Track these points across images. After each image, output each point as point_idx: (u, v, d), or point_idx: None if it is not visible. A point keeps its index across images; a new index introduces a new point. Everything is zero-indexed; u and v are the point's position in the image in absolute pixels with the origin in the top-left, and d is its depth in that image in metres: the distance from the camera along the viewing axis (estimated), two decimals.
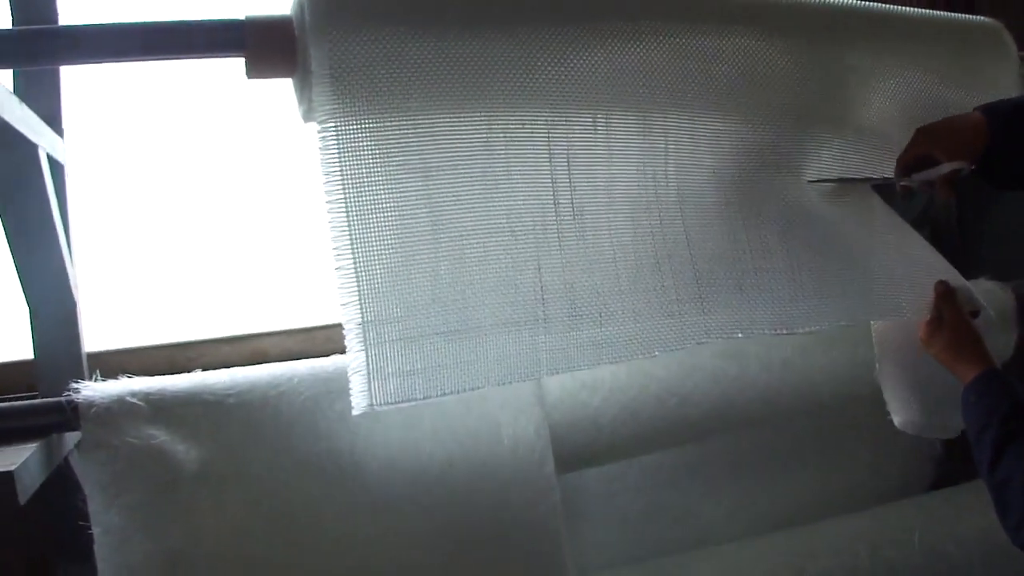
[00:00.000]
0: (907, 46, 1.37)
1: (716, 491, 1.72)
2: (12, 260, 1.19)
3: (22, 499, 0.97)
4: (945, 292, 1.25)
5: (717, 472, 1.72)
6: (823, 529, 1.65)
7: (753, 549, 1.59)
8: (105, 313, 1.50)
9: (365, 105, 0.98)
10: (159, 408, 1.15)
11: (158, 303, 1.66)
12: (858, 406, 1.59)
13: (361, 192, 0.98)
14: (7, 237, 1.17)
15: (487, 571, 1.26)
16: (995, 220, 1.90)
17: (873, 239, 1.31)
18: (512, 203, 1.07)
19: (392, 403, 0.98)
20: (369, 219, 0.98)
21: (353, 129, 0.98)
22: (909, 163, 1.25)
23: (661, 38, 1.13)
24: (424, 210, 1.01)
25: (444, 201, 1.03)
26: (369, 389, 0.97)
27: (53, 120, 1.30)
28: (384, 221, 0.99)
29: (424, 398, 0.99)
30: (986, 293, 1.60)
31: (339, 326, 1.00)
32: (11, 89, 1.13)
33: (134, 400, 1.14)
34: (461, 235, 1.03)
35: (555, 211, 1.09)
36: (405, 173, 1.00)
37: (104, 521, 1.12)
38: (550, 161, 1.09)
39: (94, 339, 1.37)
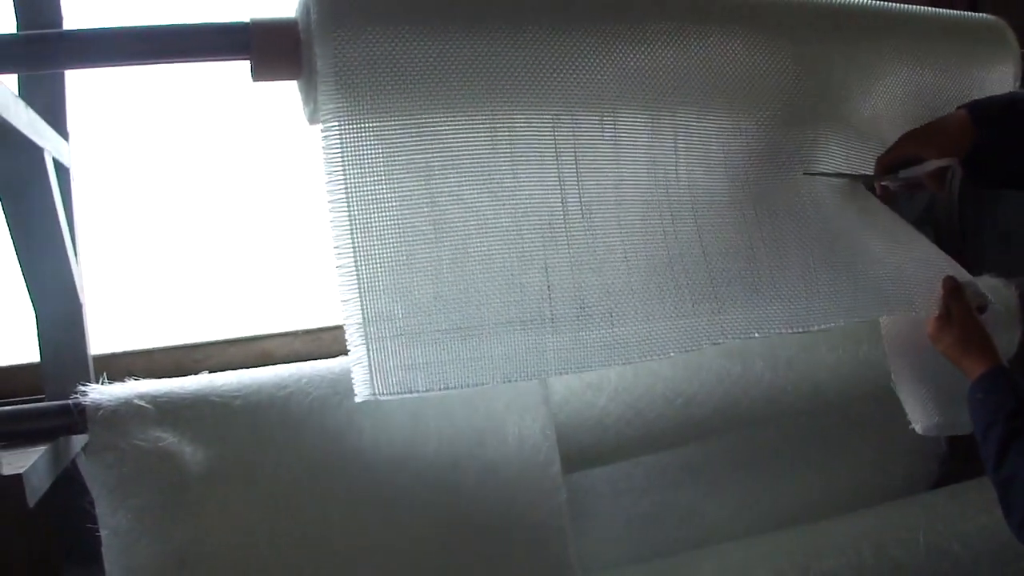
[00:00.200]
0: (911, 44, 1.37)
1: (721, 490, 1.72)
2: (18, 263, 1.19)
3: (31, 502, 0.97)
4: (953, 288, 1.25)
5: (722, 471, 1.72)
6: (828, 528, 1.64)
7: (758, 548, 1.59)
8: (111, 316, 1.50)
9: (369, 106, 0.98)
10: (166, 410, 1.15)
11: (164, 305, 1.66)
12: (862, 405, 1.59)
13: (363, 191, 0.99)
14: (13, 240, 1.17)
15: (493, 570, 1.26)
16: (998, 217, 1.90)
17: (881, 236, 1.31)
18: (518, 203, 1.07)
19: (394, 393, 0.99)
20: (371, 218, 0.99)
21: (357, 130, 0.98)
22: (888, 164, 1.25)
23: (667, 38, 1.13)
24: (427, 209, 1.02)
25: (447, 201, 1.03)
26: (371, 379, 0.98)
27: (58, 123, 1.30)
28: (386, 221, 0.99)
29: (426, 390, 1.00)
30: (990, 290, 1.60)
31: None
32: (16, 92, 1.13)
33: (141, 402, 1.14)
34: (464, 234, 1.03)
35: (563, 210, 1.09)
36: (407, 173, 1.01)
37: (112, 523, 1.12)
38: (557, 160, 1.09)
39: (100, 342, 1.38)
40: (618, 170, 1.14)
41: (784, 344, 1.49)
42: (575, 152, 1.10)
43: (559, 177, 1.09)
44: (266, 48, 1.01)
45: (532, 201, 1.08)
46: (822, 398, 1.54)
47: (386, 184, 0.99)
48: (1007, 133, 1.18)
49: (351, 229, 0.97)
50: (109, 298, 1.51)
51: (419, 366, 1.00)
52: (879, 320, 1.39)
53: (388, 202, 0.99)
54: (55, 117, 1.29)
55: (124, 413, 1.13)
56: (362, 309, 0.98)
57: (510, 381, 1.04)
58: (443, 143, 1.03)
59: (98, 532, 1.12)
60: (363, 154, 0.98)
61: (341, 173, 0.97)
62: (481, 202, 1.05)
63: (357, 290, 0.98)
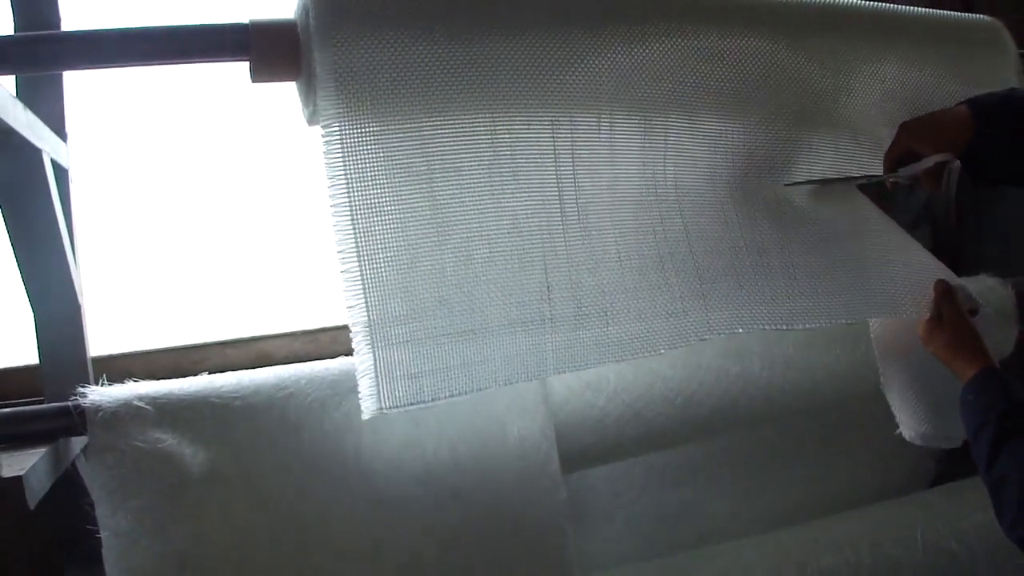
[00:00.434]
0: (906, 45, 1.37)
1: (719, 489, 1.73)
2: (17, 265, 1.19)
3: (31, 503, 0.97)
4: (945, 291, 1.26)
5: (720, 471, 1.72)
6: (826, 526, 1.65)
7: (757, 547, 1.59)
8: (109, 317, 1.50)
9: (369, 108, 0.98)
10: (166, 412, 1.15)
11: (162, 307, 1.66)
12: (860, 404, 1.59)
13: (365, 195, 0.99)
14: (11, 242, 1.17)
15: (493, 570, 1.26)
16: (995, 216, 1.90)
17: (869, 239, 1.32)
18: (518, 204, 1.07)
19: (401, 406, 0.99)
20: (373, 222, 0.99)
21: (357, 132, 0.98)
22: (895, 159, 1.25)
23: (665, 40, 1.13)
24: (428, 212, 1.02)
25: (449, 203, 1.03)
26: (378, 392, 0.98)
27: (57, 125, 1.30)
28: (389, 224, 1.00)
29: (432, 400, 1.00)
30: (986, 289, 1.61)
31: (344, 328, 1.00)
32: (14, 94, 1.13)
33: (141, 404, 1.13)
34: (467, 236, 1.04)
35: (560, 211, 1.10)
36: (409, 176, 1.01)
37: (112, 525, 1.12)
38: (555, 161, 1.10)
39: (99, 343, 1.37)
40: (613, 171, 1.15)
41: (782, 343, 1.50)
42: (572, 154, 1.11)
43: (557, 178, 1.10)
44: (265, 49, 1.01)
45: (532, 202, 1.09)
46: (820, 397, 1.54)
47: (388, 187, 0.99)
48: (1005, 129, 1.17)
49: (355, 233, 0.97)
50: (108, 300, 1.51)
51: (425, 373, 1.00)
52: (870, 324, 1.40)
53: (390, 205, 0.99)
54: (53, 119, 1.29)
55: (124, 415, 1.12)
56: (368, 314, 0.98)
57: (512, 383, 1.05)
58: (444, 146, 1.03)
59: (98, 533, 1.12)
60: (364, 157, 0.98)
61: (343, 177, 0.97)
62: (482, 204, 1.05)
63: (362, 295, 0.98)
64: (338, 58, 0.96)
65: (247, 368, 1.26)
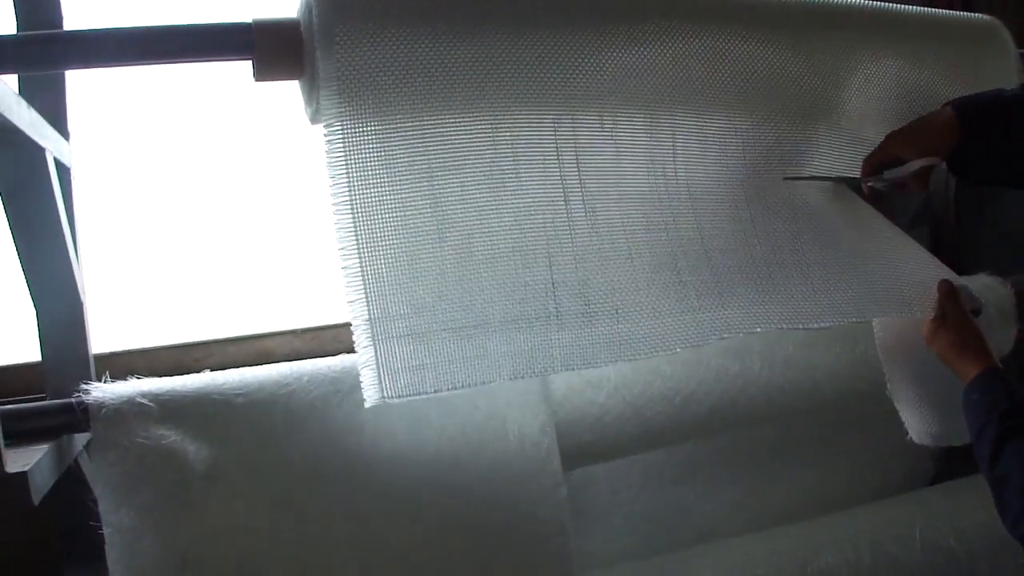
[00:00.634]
0: (906, 44, 1.38)
1: (719, 487, 1.73)
2: (19, 262, 1.19)
3: (35, 499, 0.98)
4: (949, 291, 1.26)
5: (720, 469, 1.73)
6: (826, 525, 1.65)
7: (756, 545, 1.60)
8: (111, 315, 1.50)
9: (372, 106, 0.99)
10: (169, 408, 1.15)
11: (164, 305, 1.66)
12: (859, 402, 1.60)
13: (366, 192, 0.99)
14: (14, 240, 1.18)
15: (494, 566, 1.26)
16: (994, 215, 1.91)
17: (874, 239, 1.32)
18: (520, 201, 1.08)
19: (403, 395, 0.99)
20: (374, 219, 1.00)
21: (359, 131, 0.99)
22: (875, 164, 1.26)
23: (666, 39, 1.14)
24: (430, 210, 1.03)
25: (450, 201, 1.04)
26: (380, 382, 0.99)
27: (58, 123, 1.30)
28: (389, 221, 1.00)
29: (434, 391, 1.01)
30: (986, 289, 1.61)
31: (346, 326, 1.01)
32: (16, 91, 1.14)
33: (144, 401, 1.14)
34: (468, 233, 1.04)
35: (566, 208, 1.10)
36: (411, 173, 1.02)
37: (114, 521, 1.12)
38: (558, 159, 1.10)
39: (100, 340, 1.38)
40: (619, 168, 1.16)
41: (782, 343, 1.50)
42: (576, 151, 1.11)
43: (561, 176, 1.11)
44: (268, 48, 1.02)
45: (535, 199, 1.09)
46: (819, 396, 1.55)
47: (389, 185, 1.00)
48: (991, 130, 1.18)
49: (355, 230, 0.98)
50: (109, 297, 1.52)
51: (427, 366, 1.00)
52: (873, 325, 1.40)
53: (392, 203, 1.00)
54: (56, 117, 1.29)
55: (127, 411, 1.13)
56: (368, 309, 0.99)
57: (517, 378, 1.05)
58: (446, 143, 1.03)
59: (101, 530, 1.13)
60: (366, 155, 0.99)
61: (344, 175, 0.98)
62: (484, 201, 1.06)
63: (363, 291, 0.99)
64: (341, 56, 0.97)
65: (248, 365, 1.27)
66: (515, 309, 1.06)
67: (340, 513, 1.19)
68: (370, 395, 1.00)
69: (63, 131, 1.31)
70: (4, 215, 1.16)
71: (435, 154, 1.03)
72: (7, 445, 1.05)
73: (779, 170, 1.28)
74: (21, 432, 1.09)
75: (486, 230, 1.06)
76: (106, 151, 1.59)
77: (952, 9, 1.69)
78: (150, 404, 1.14)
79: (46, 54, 1.03)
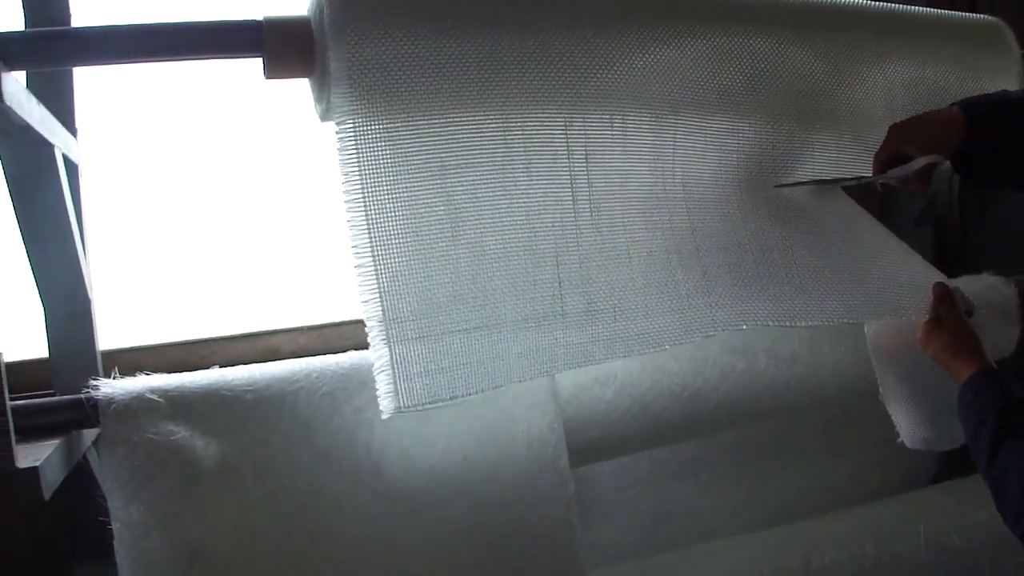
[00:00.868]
0: (910, 45, 1.38)
1: (724, 485, 1.74)
2: (27, 258, 1.19)
3: (46, 494, 0.98)
4: (943, 293, 1.26)
5: (725, 466, 1.73)
6: (829, 522, 1.66)
7: (761, 542, 1.60)
8: (117, 311, 1.50)
9: (383, 105, 0.99)
10: (178, 404, 1.15)
11: (170, 301, 1.66)
12: (863, 400, 1.60)
13: (379, 191, 1.00)
14: (22, 236, 1.18)
15: (502, 563, 1.26)
16: (998, 215, 1.91)
17: (867, 241, 1.33)
18: (530, 200, 1.08)
19: (420, 404, 0.99)
20: (387, 218, 1.00)
21: (371, 128, 0.99)
22: (884, 161, 1.25)
23: (677, 42, 1.15)
24: (442, 208, 1.03)
25: (462, 199, 1.04)
26: (396, 390, 0.98)
27: (66, 120, 1.30)
28: (403, 220, 1.01)
29: (451, 398, 1.00)
30: (989, 288, 1.62)
31: (352, 323, 1.02)
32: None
33: (153, 397, 1.14)
34: (480, 232, 1.05)
35: (573, 207, 1.11)
36: (423, 171, 1.02)
37: (123, 516, 1.12)
38: (568, 159, 1.11)
39: (107, 337, 1.38)
40: (625, 168, 1.16)
41: (787, 340, 1.51)
42: (586, 151, 1.12)
43: (571, 175, 1.11)
44: (279, 46, 1.02)
45: (545, 198, 1.09)
46: (824, 394, 1.55)
47: (402, 183, 1.00)
48: (997, 131, 1.18)
49: (368, 229, 0.98)
50: (116, 294, 1.52)
51: (444, 369, 1.00)
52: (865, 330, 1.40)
53: (405, 201, 1.00)
54: (63, 114, 1.29)
55: (136, 407, 1.13)
56: (382, 309, 0.99)
57: (525, 380, 1.05)
58: (458, 142, 1.04)
59: (109, 525, 1.13)
60: (379, 153, 0.99)
61: (357, 173, 0.98)
62: (496, 200, 1.06)
63: (376, 290, 0.99)
64: (352, 54, 0.97)
65: (255, 362, 1.27)
66: (525, 308, 1.06)
67: (348, 508, 1.20)
68: (386, 405, 0.99)
69: (71, 128, 1.31)
70: (12, 211, 1.16)
71: (447, 151, 1.03)
72: (16, 441, 1.06)
73: (775, 171, 1.29)
74: (30, 428, 1.09)
75: (498, 228, 1.06)
76: (113, 148, 1.59)
77: (955, 10, 1.69)
78: (159, 400, 1.14)
79: (54, 51, 1.04)
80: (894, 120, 1.30)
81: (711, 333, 1.18)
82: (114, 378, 1.17)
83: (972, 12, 1.58)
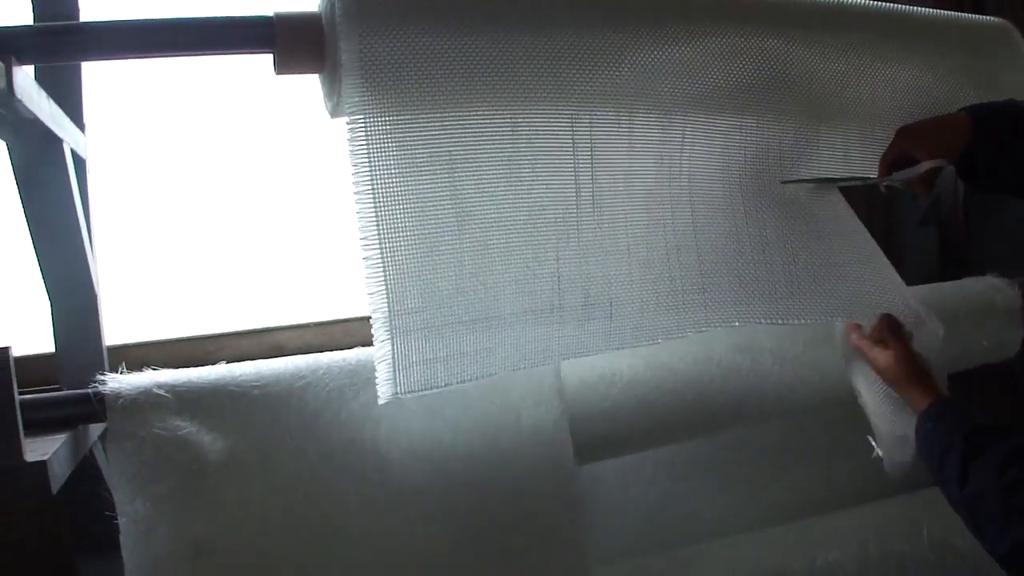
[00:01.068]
0: (917, 46, 1.38)
1: (728, 483, 1.74)
2: (34, 253, 1.19)
3: (54, 488, 0.98)
4: (890, 324, 1.26)
5: (729, 465, 1.73)
6: (833, 521, 1.66)
7: (765, 541, 1.60)
8: (124, 307, 1.51)
9: (394, 99, 1.00)
10: (185, 399, 1.15)
11: (176, 297, 1.67)
12: None
13: (389, 184, 1.00)
14: (30, 231, 1.18)
15: (508, 560, 1.26)
16: (1002, 217, 1.92)
17: (862, 243, 1.33)
18: (535, 196, 1.09)
19: (415, 391, 1.01)
20: (396, 211, 1.01)
21: (382, 123, 0.99)
22: (890, 162, 1.25)
23: (686, 41, 1.15)
24: (449, 202, 1.03)
25: (469, 193, 1.05)
26: (394, 378, 1.01)
27: (74, 115, 1.30)
28: (411, 213, 1.01)
29: (445, 385, 1.03)
30: (993, 290, 1.62)
31: (357, 320, 1.02)
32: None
33: (160, 392, 1.14)
34: (485, 227, 1.06)
35: (576, 202, 1.12)
36: (432, 166, 1.02)
37: (130, 511, 1.12)
38: (573, 155, 1.12)
39: (113, 333, 1.38)
40: (630, 165, 1.17)
41: (793, 340, 1.51)
42: (591, 148, 1.13)
43: (575, 171, 1.12)
44: (290, 42, 1.03)
45: (549, 194, 1.10)
46: (828, 394, 1.55)
47: (411, 177, 1.01)
48: (1003, 138, 1.18)
49: (377, 222, 0.99)
50: (123, 289, 1.52)
51: (440, 359, 1.02)
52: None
53: (413, 195, 1.01)
54: (71, 108, 1.29)
55: (144, 402, 1.13)
56: (388, 302, 1.00)
57: (519, 369, 1.07)
58: (465, 137, 1.04)
59: (115, 519, 1.13)
60: (388, 147, 0.99)
61: (367, 166, 0.99)
62: (501, 195, 1.07)
63: (383, 282, 0.99)
64: (364, 50, 0.97)
65: (261, 358, 1.27)
66: (524, 302, 1.08)
67: (354, 503, 1.19)
68: (383, 391, 1.01)
69: (79, 123, 1.31)
70: (20, 206, 1.16)
71: (455, 147, 1.03)
72: (23, 435, 1.06)
73: (781, 170, 1.29)
74: (37, 422, 1.09)
75: (502, 223, 1.07)
76: (121, 144, 1.59)
77: (962, 11, 1.69)
78: (167, 395, 1.14)
79: (63, 45, 1.04)
80: (901, 122, 1.31)
81: (703, 329, 1.20)
82: (121, 373, 1.17)
83: (979, 13, 1.58)
